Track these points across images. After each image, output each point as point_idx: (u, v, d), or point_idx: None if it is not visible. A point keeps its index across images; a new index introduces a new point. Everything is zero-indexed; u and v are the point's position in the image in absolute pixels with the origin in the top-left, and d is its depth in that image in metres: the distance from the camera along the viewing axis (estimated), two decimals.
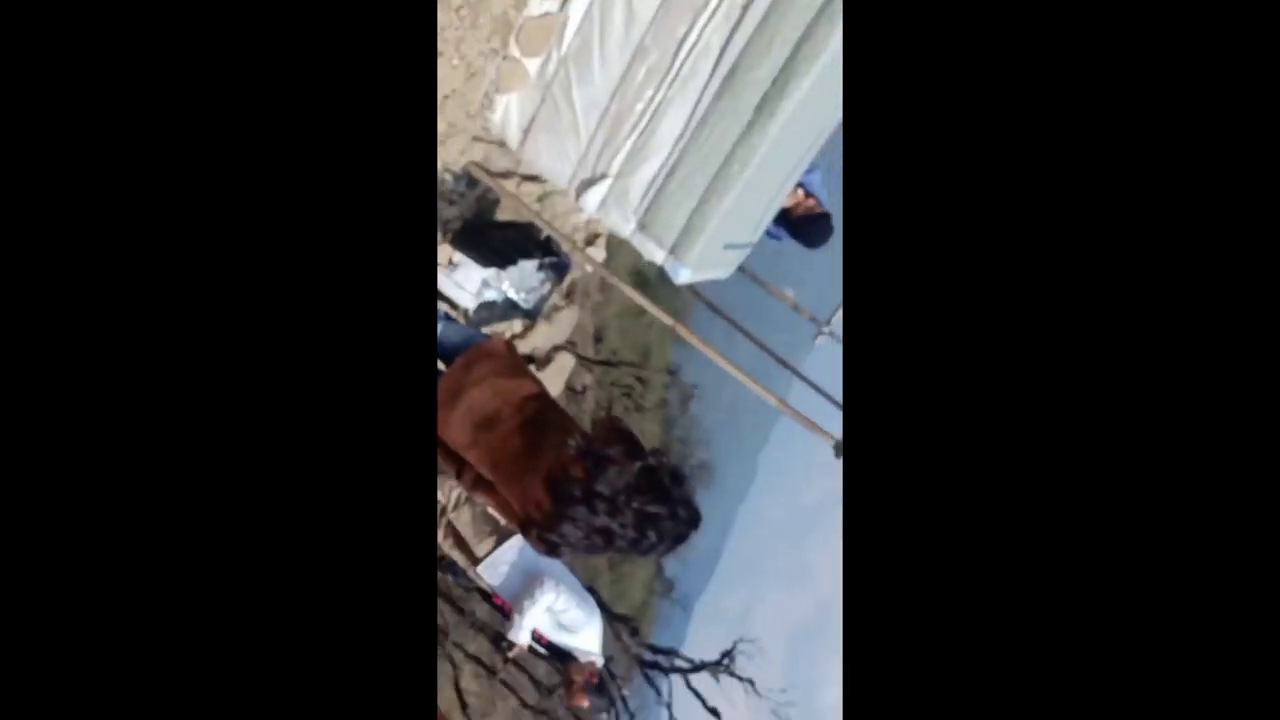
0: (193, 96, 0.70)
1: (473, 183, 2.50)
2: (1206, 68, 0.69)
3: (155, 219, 0.69)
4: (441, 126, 2.12)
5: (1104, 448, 0.72)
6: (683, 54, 1.79)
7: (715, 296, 2.86)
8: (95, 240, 0.68)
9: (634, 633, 14.60)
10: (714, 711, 14.00)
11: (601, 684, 3.13)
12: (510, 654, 3.09)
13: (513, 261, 2.70)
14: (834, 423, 1.92)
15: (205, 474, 0.70)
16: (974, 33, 0.75)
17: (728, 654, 13.93)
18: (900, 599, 0.76)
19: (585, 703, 3.04)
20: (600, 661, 3.04)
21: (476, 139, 2.32)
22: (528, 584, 2.87)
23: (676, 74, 1.81)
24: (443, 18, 1.89)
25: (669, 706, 14.06)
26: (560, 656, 3.07)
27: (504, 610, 3.08)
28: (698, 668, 13.67)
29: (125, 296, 0.68)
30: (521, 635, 2.88)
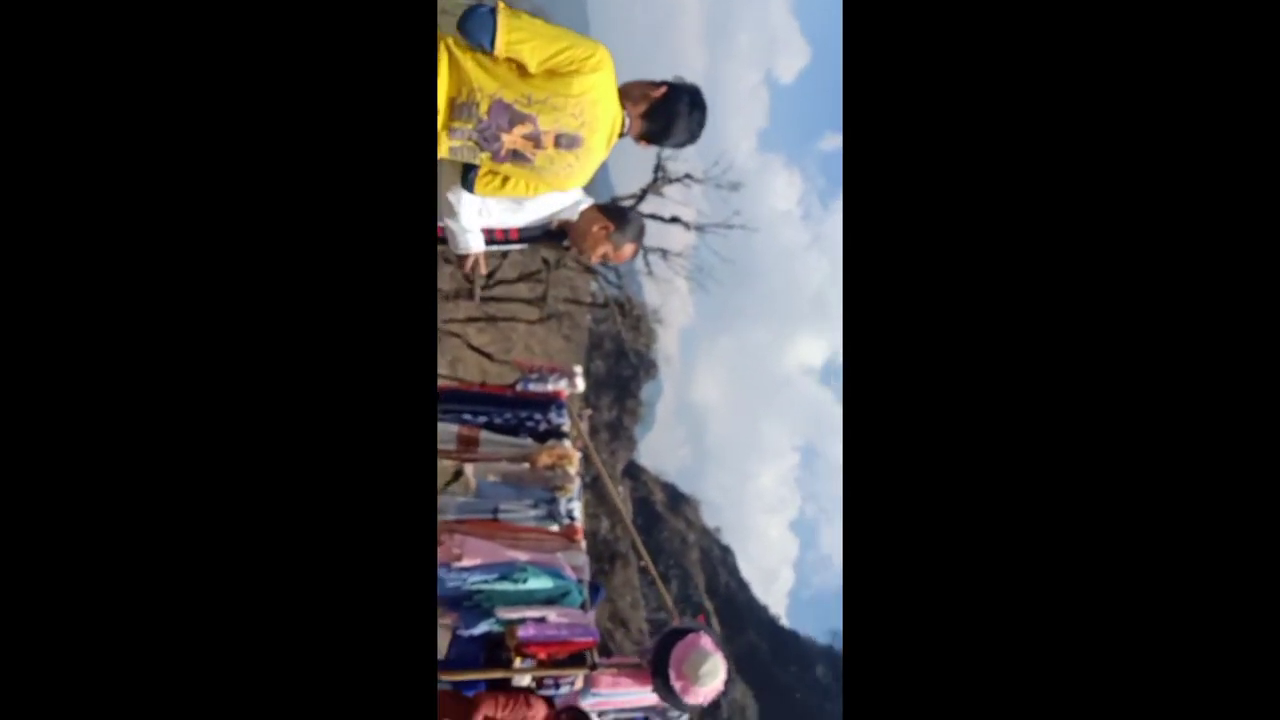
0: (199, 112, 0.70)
1: None
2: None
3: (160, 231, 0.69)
4: None
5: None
6: None
7: None
8: (115, 250, 0.67)
9: None
10: (674, 219, 14.78)
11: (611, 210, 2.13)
12: (469, 269, 2.04)
13: None
14: None
15: (205, 476, 0.70)
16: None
17: (658, 167, 14.09)
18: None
19: (607, 246, 2.00)
20: (589, 200, 2.08)
21: None
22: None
23: None
24: None
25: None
26: (544, 236, 2.14)
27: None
28: (640, 196, 14.04)
29: (139, 310, 0.68)
30: (468, 240, 1.92)
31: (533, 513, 3.56)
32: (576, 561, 3.49)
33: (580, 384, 4.05)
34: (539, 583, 3.30)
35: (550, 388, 3.93)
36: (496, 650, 3.44)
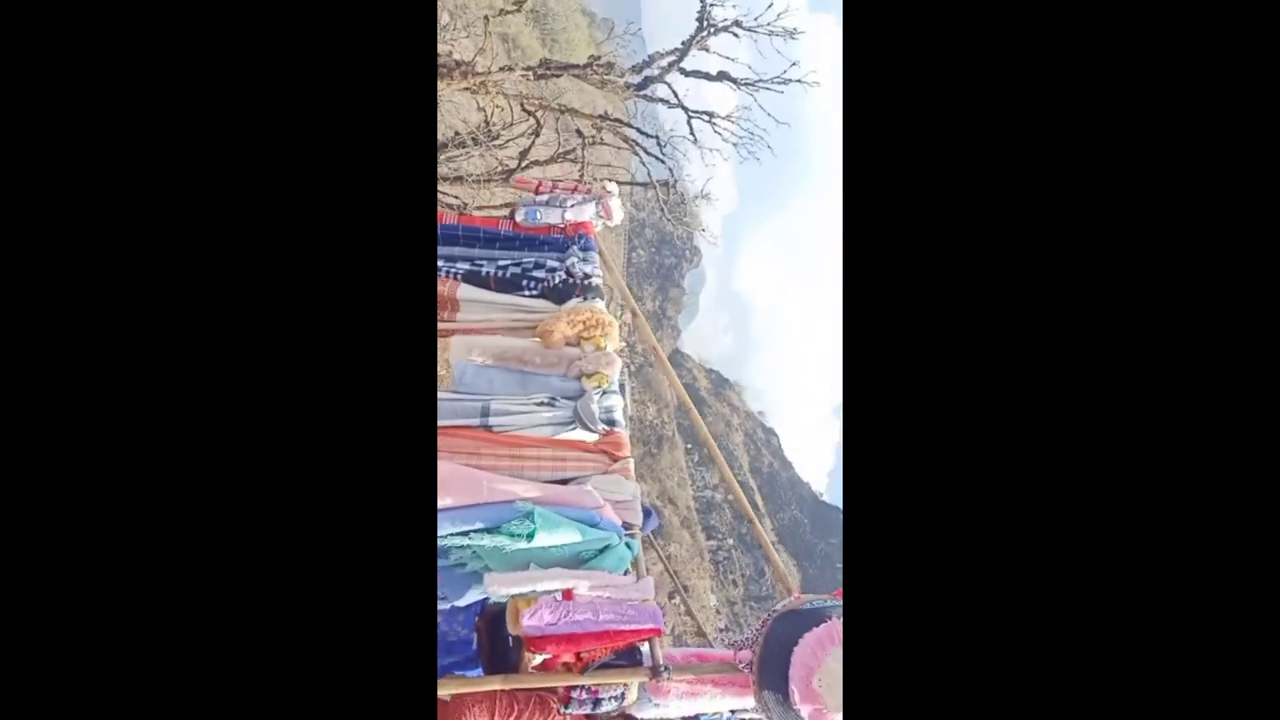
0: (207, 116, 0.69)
1: None
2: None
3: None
4: None
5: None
6: None
7: None
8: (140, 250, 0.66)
9: (609, 67, 12.66)
10: (721, 75, 12.57)
11: None
12: None
13: None
14: None
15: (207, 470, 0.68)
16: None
17: (702, 14, 11.77)
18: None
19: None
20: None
21: None
22: None
23: None
24: None
25: (683, 106, 12.72)
26: None
27: None
28: (683, 51, 11.84)
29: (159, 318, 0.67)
30: None
31: (547, 415, 2.04)
32: (621, 493, 1.99)
33: (617, 211, 2.41)
34: (557, 535, 1.81)
35: (570, 216, 2.31)
36: (499, 633, 2.03)
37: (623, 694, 1.86)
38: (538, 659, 1.89)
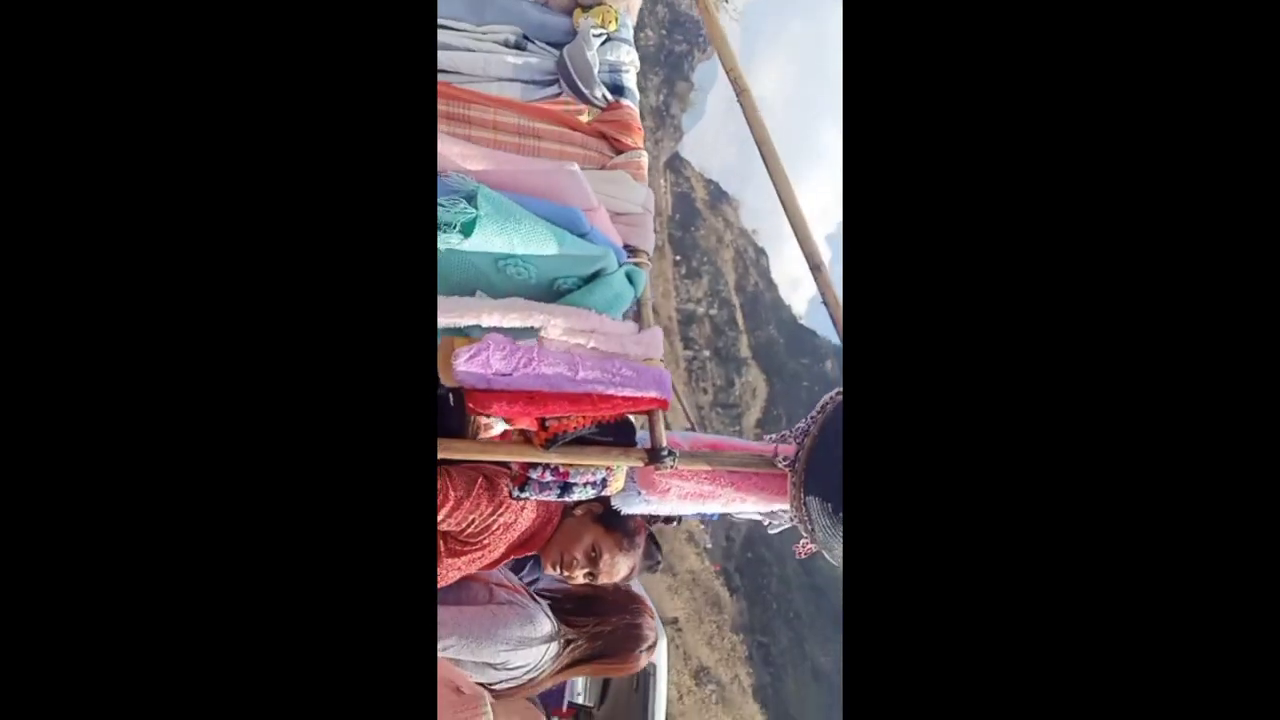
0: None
1: None
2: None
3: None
4: None
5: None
6: None
7: None
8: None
9: None
10: None
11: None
12: None
13: None
14: None
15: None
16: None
17: None
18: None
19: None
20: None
21: None
22: None
23: None
24: None
25: None
26: None
27: None
28: None
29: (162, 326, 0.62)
30: None
31: (512, 62, 1.22)
32: (627, 200, 1.25)
33: None
34: (517, 236, 1.09)
35: None
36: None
37: (604, 480, 1.26)
38: (496, 427, 1.26)
